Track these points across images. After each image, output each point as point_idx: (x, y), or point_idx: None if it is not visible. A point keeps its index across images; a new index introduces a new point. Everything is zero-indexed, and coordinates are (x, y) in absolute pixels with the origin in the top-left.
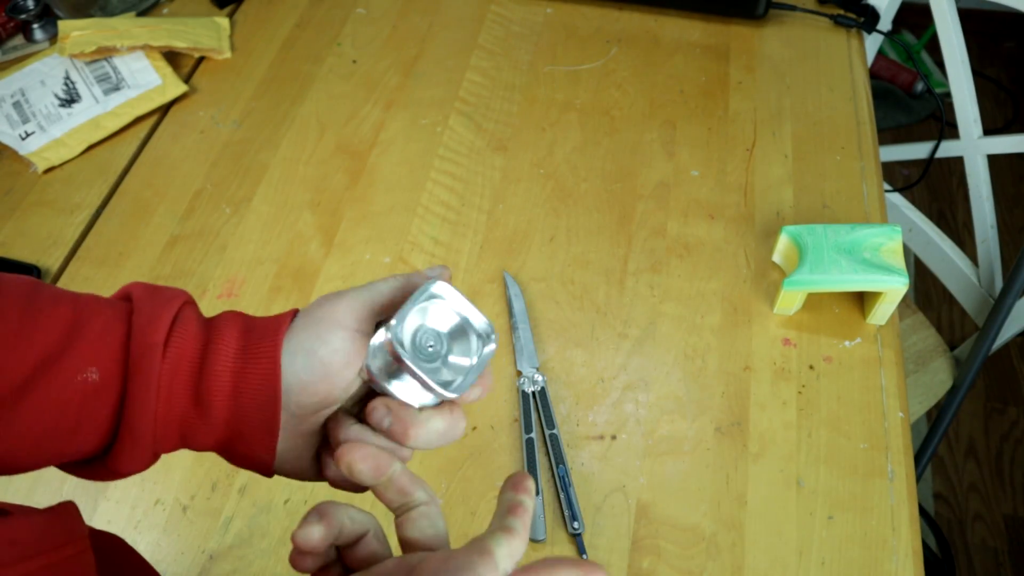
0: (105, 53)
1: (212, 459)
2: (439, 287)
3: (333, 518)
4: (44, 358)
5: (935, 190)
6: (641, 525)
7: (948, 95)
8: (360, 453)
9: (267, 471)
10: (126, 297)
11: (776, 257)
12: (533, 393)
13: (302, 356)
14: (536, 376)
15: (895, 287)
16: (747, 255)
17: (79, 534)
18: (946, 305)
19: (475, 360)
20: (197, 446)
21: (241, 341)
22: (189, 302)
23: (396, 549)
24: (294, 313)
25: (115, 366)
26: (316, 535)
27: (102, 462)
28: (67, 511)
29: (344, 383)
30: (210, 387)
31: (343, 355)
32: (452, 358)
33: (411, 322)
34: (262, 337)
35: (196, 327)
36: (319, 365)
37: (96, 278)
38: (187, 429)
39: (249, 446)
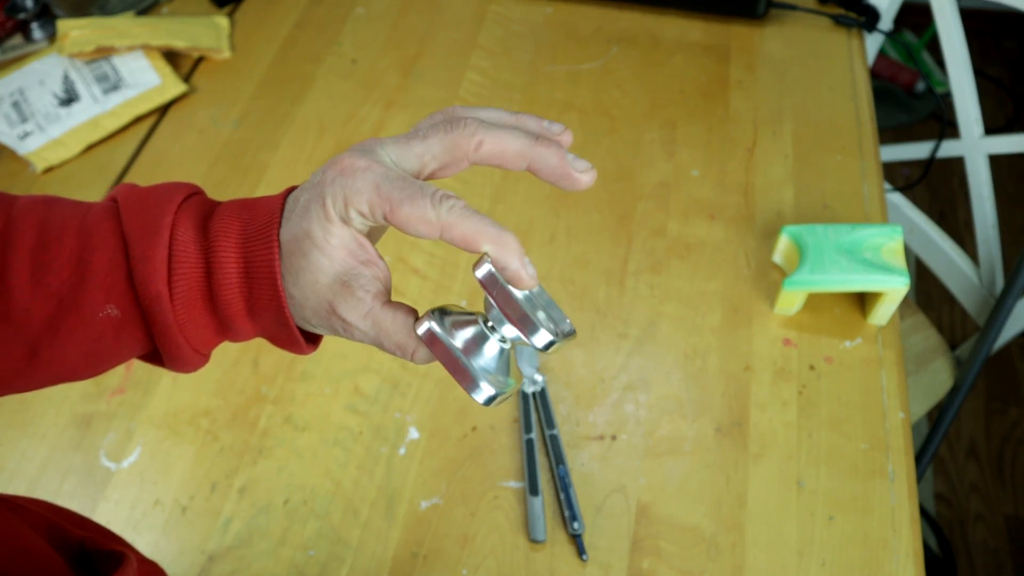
0: (104, 52)
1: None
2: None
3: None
4: (62, 300)
5: (936, 190)
6: (641, 525)
7: (949, 95)
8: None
9: (308, 352)
10: (117, 210)
11: (776, 257)
12: (533, 393)
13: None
14: (536, 376)
15: (896, 287)
16: (747, 255)
17: None
18: (947, 305)
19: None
20: (241, 340)
21: (241, 264)
22: (181, 211)
23: None
24: (283, 201)
25: (130, 304)
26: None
27: (160, 360)
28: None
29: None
30: (228, 314)
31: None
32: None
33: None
34: (258, 254)
35: (194, 256)
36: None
37: None
38: (223, 337)
39: (281, 344)
